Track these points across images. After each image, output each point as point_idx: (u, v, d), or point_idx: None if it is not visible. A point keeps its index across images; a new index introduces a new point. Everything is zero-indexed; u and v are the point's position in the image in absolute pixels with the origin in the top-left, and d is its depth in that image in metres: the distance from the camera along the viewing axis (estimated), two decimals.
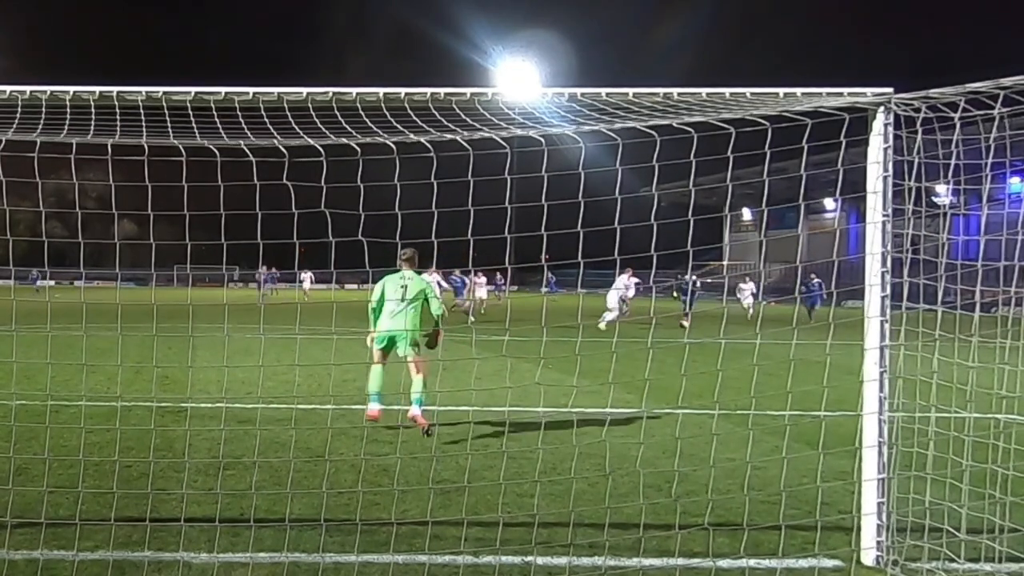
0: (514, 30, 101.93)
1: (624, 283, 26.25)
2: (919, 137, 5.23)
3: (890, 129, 5.27)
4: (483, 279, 42.53)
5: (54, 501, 6.15)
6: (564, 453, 7.78)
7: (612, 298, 26.16)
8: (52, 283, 48.46)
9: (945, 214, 6.37)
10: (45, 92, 5.11)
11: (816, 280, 32.32)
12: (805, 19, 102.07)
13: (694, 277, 27.05)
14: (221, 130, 5.24)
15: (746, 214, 73.15)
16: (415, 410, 9.33)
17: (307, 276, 44.49)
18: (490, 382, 11.29)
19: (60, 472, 7.11)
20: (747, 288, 33.79)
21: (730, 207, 51.67)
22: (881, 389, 5.28)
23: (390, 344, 9.61)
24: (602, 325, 23.58)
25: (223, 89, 5.15)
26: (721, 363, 5.99)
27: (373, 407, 9.39)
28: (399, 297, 9.51)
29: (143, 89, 5.14)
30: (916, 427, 5.47)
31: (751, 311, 31.26)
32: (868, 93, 5.24)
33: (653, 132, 5.43)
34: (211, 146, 5.31)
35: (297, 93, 5.13)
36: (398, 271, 9.64)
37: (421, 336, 9.62)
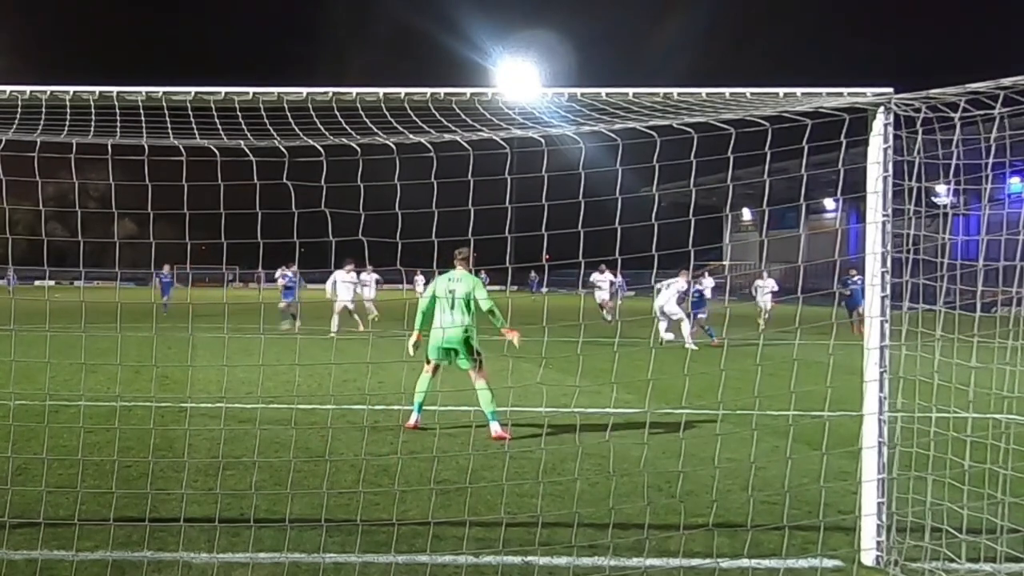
0: (514, 30, 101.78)
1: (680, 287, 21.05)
2: (919, 137, 5.23)
3: (890, 129, 5.26)
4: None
5: (54, 501, 6.15)
6: (565, 453, 7.78)
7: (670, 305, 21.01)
8: (52, 283, 48.42)
9: (945, 214, 6.37)
10: (45, 92, 5.11)
11: (858, 277, 25.01)
12: (805, 19, 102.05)
13: (697, 283, 22.90)
14: (221, 130, 5.24)
15: (746, 214, 73.08)
16: (495, 427, 9.05)
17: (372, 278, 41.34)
18: (491, 382, 11.26)
19: (60, 472, 7.11)
20: (766, 285, 28.02)
21: (730, 207, 51.70)
22: (881, 389, 5.27)
23: (444, 357, 9.31)
24: (683, 340, 19.82)
25: (223, 89, 5.15)
26: (723, 363, 5.99)
27: (413, 417, 9.29)
28: (449, 304, 9.22)
29: (143, 89, 5.14)
30: (916, 427, 5.47)
31: (767, 314, 26.82)
32: (868, 93, 5.23)
33: (653, 132, 5.43)
34: (211, 146, 5.30)
35: (297, 93, 5.13)
36: (449, 270, 9.37)
37: (476, 350, 9.28)
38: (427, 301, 9.39)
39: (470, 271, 9.44)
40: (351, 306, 23.40)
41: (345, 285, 23.29)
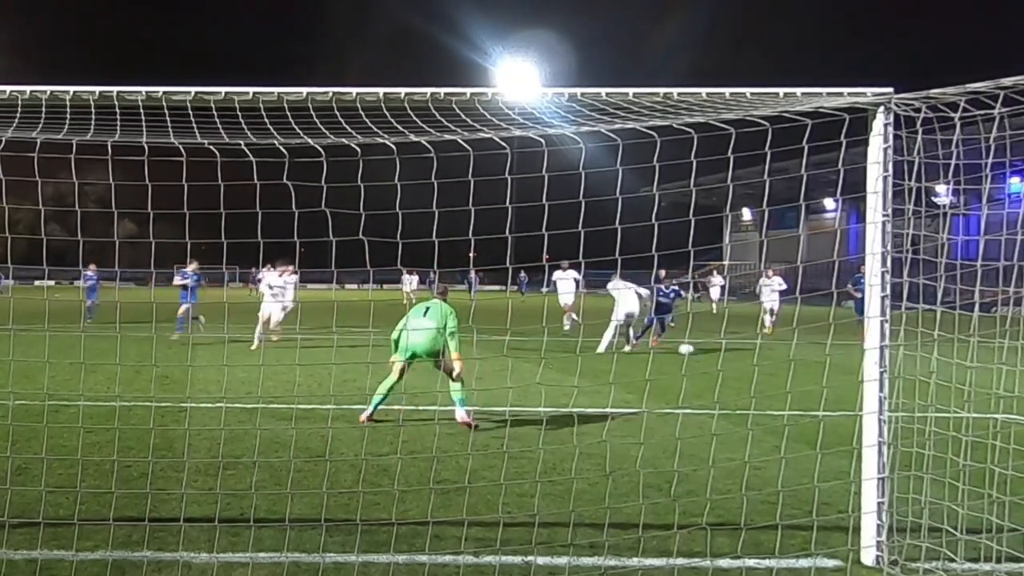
0: (514, 30, 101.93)
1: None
2: (919, 137, 5.23)
3: (890, 129, 5.27)
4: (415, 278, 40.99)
5: (53, 501, 6.15)
6: (564, 453, 7.78)
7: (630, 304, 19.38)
8: (52, 283, 48.41)
9: (945, 214, 6.37)
10: (45, 92, 5.11)
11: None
12: (805, 19, 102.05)
13: (674, 283, 21.10)
14: (221, 130, 5.24)
15: (746, 214, 73.11)
16: (460, 413, 9.40)
17: (407, 279, 40.29)
18: (490, 382, 11.28)
19: (59, 472, 7.11)
20: (772, 283, 25.17)
21: (730, 207, 51.69)
22: (881, 389, 5.28)
23: (413, 356, 9.69)
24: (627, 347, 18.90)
25: (223, 89, 5.15)
26: (721, 363, 5.99)
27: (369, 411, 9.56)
28: (422, 312, 9.78)
29: (143, 89, 5.14)
30: (915, 427, 5.48)
31: (775, 316, 24.43)
32: (868, 93, 5.24)
33: (653, 132, 5.43)
34: (211, 146, 5.31)
35: (297, 93, 5.13)
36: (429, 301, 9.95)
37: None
38: (397, 332, 9.89)
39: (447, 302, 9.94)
40: (279, 315, 20.12)
41: (275, 288, 20.39)
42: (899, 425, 5.43)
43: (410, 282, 42.06)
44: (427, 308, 9.86)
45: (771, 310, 24.56)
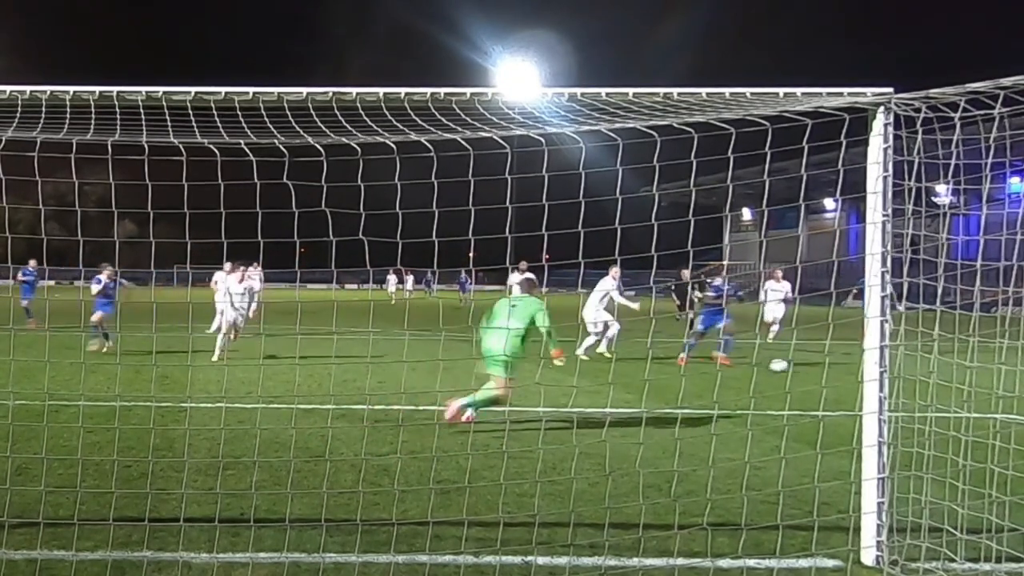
0: (514, 30, 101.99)
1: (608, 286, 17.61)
2: (919, 137, 5.23)
3: (890, 129, 5.27)
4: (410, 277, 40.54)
5: (53, 501, 6.15)
6: (564, 453, 7.77)
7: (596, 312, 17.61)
8: (52, 283, 48.34)
9: (945, 214, 6.37)
10: (45, 92, 5.11)
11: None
12: (805, 19, 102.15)
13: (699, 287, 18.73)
14: (221, 130, 5.23)
15: (746, 214, 73.10)
16: (460, 403, 9.24)
17: (392, 278, 41.52)
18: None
19: (59, 472, 7.11)
20: (780, 288, 21.03)
21: (730, 207, 51.67)
22: (881, 389, 5.27)
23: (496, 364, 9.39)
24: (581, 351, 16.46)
25: (223, 89, 5.15)
26: (719, 364, 5.99)
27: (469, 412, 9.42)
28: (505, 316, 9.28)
29: (143, 89, 5.14)
30: (916, 427, 5.47)
31: (778, 324, 20.40)
32: (868, 93, 5.23)
33: (653, 132, 5.43)
34: (211, 146, 5.30)
35: (297, 93, 5.13)
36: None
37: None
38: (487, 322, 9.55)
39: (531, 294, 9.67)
40: (240, 319, 17.96)
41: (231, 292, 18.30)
42: (899, 425, 5.43)
43: (394, 282, 42.00)
44: (512, 306, 9.41)
45: (775, 319, 20.78)
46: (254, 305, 18.59)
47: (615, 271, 17.20)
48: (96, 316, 17.33)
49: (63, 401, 10.36)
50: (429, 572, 5.06)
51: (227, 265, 18.56)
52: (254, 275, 19.01)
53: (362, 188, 5.56)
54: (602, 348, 17.76)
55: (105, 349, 16.85)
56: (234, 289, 17.82)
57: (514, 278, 22.47)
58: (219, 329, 17.35)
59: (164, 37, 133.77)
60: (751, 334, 15.93)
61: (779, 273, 21.73)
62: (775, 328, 20.54)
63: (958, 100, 4.94)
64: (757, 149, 5.57)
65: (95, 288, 17.64)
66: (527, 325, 9.34)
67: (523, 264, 20.15)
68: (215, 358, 15.79)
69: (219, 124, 5.21)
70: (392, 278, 41.34)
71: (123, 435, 8.12)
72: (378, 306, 20.53)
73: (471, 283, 40.61)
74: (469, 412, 9.32)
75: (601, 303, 17.61)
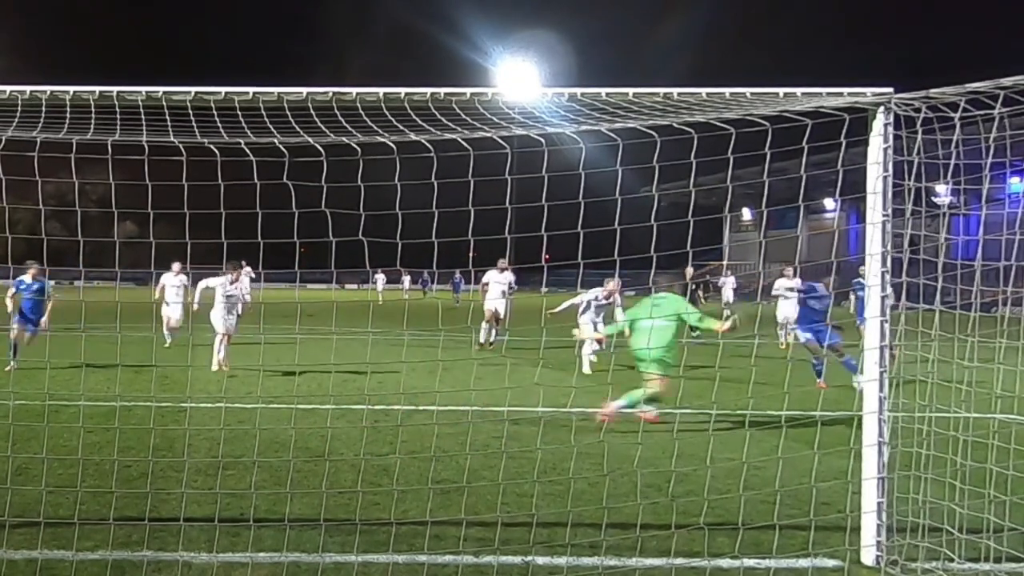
0: (514, 30, 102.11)
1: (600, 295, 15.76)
2: (919, 137, 5.23)
3: (890, 129, 5.27)
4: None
5: (54, 501, 6.15)
6: (563, 453, 7.77)
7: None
8: (52, 283, 48.28)
9: (945, 214, 6.37)
10: (45, 92, 5.11)
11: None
12: (805, 19, 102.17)
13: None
14: (221, 130, 5.24)
15: (746, 214, 73.14)
16: (618, 404, 9.46)
17: (380, 277, 42.44)
18: (490, 382, 11.29)
19: (60, 472, 7.11)
20: (794, 286, 17.43)
21: (730, 207, 51.66)
22: (881, 389, 5.28)
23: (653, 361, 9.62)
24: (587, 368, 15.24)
25: (223, 89, 5.15)
26: (719, 363, 5.99)
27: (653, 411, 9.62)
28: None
29: (143, 89, 5.14)
30: (915, 427, 5.48)
31: (793, 326, 16.32)
32: (868, 93, 5.24)
33: (653, 132, 5.43)
34: (211, 145, 5.30)
35: (297, 93, 5.13)
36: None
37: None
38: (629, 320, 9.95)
39: (676, 293, 9.98)
40: (176, 319, 18.50)
41: (173, 289, 18.66)
42: (899, 425, 5.43)
43: (383, 281, 42.04)
44: (655, 304, 9.58)
45: (787, 319, 19.16)
46: (247, 303, 17.75)
47: (612, 285, 15.47)
48: (14, 332, 14.38)
49: (63, 401, 10.37)
50: (429, 572, 5.06)
51: (176, 266, 18.26)
52: (243, 276, 17.40)
53: (362, 188, 5.56)
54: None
55: (8, 368, 13.78)
56: (171, 282, 18.24)
57: (492, 276, 21.07)
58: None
59: (164, 37, 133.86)
60: (749, 333, 15.88)
61: (790, 271, 20.11)
62: (793, 327, 16.67)
63: (958, 100, 4.94)
64: (757, 149, 5.57)
65: (12, 292, 14.83)
66: (675, 322, 9.72)
67: (502, 261, 19.67)
68: (214, 368, 14.73)
69: (219, 124, 5.21)
70: (381, 277, 41.33)
71: (123, 435, 8.12)
72: (367, 306, 20.38)
73: (464, 283, 40.52)
74: (647, 409, 9.48)
75: (587, 315, 15.75)
